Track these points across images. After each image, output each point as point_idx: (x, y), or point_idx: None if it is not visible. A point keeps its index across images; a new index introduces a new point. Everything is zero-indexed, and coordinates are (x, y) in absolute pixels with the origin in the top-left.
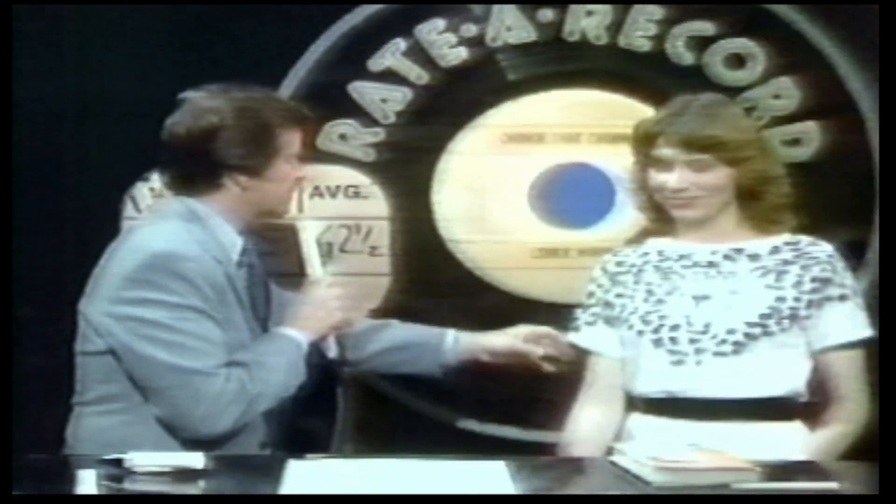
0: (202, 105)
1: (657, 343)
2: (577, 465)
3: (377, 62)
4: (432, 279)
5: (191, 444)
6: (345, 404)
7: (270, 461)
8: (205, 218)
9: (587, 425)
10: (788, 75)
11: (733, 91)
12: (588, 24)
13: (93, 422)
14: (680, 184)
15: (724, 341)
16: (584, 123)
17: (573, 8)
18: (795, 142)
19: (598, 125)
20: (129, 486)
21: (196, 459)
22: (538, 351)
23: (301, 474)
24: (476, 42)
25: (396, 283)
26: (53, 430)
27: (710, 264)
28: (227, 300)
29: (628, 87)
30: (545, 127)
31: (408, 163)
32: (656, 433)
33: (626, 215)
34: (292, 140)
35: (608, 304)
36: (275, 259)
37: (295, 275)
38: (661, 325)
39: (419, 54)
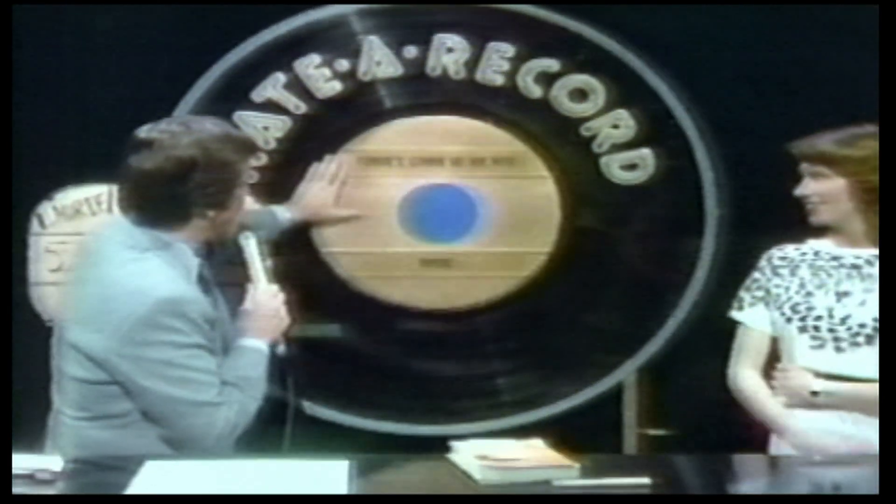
0: (171, 144)
1: (802, 329)
2: (415, 464)
3: (259, 93)
4: (310, 289)
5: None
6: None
7: (125, 461)
8: (171, 244)
9: (754, 380)
10: (625, 108)
11: (577, 121)
12: (448, 60)
13: (88, 434)
14: (803, 191)
15: (857, 333)
16: (445, 149)
17: (435, 45)
18: (632, 167)
19: (458, 151)
20: None
21: (55, 462)
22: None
23: (153, 474)
24: (348, 76)
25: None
26: None
27: (854, 266)
28: (214, 328)
29: (484, 117)
30: (411, 152)
31: (288, 184)
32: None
33: (487, 229)
34: (247, 170)
35: (768, 291)
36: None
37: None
38: (807, 315)
39: (297, 87)
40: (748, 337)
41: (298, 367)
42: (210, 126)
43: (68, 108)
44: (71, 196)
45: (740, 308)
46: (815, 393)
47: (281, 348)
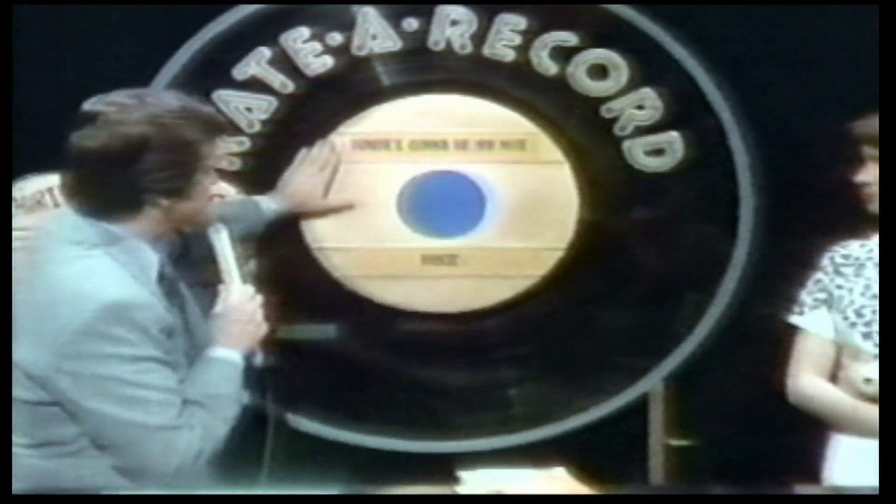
0: (118, 119)
1: (866, 336)
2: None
3: (242, 71)
4: (299, 289)
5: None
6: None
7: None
8: (124, 239)
9: (821, 383)
10: (651, 86)
11: (597, 101)
12: (453, 33)
13: (33, 463)
14: (865, 177)
15: None
16: (449, 132)
17: (438, 17)
18: (659, 152)
19: (463, 134)
20: None
21: None
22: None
23: None
24: (341, 51)
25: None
26: None
27: None
28: (173, 338)
29: (493, 96)
30: (411, 135)
31: (274, 172)
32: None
33: (496, 222)
34: (212, 152)
35: (830, 293)
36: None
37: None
38: (873, 320)
39: (284, 63)
40: (809, 344)
41: (279, 380)
42: (168, 99)
43: (25, 87)
44: (31, 186)
45: (801, 312)
46: (867, 380)
47: (259, 358)
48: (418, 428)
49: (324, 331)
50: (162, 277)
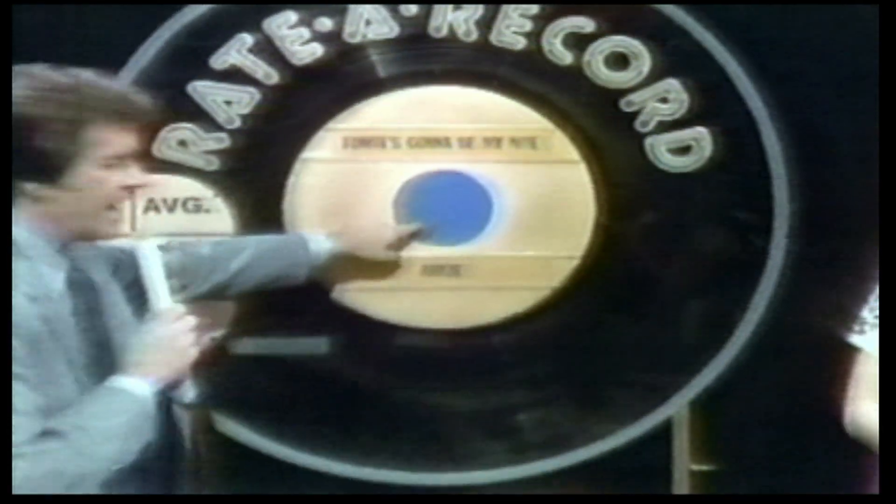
0: None
1: None
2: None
3: (220, 59)
4: (283, 304)
5: None
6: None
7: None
8: (15, 236)
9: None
10: (675, 77)
11: (616, 94)
12: (456, 18)
13: None
14: None
15: None
16: (452, 127)
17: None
18: (685, 150)
19: (468, 129)
20: None
21: None
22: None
23: None
24: (332, 38)
25: (243, 308)
26: None
27: None
28: (42, 350)
29: (501, 88)
30: (410, 131)
31: (255, 172)
32: None
33: (505, 228)
34: (107, 139)
35: None
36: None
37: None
38: None
39: (268, 51)
40: (871, 366)
41: (211, 424)
42: (63, 75)
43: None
44: None
45: (861, 331)
46: None
47: (188, 393)
48: (419, 458)
49: (313, 346)
50: (73, 284)
